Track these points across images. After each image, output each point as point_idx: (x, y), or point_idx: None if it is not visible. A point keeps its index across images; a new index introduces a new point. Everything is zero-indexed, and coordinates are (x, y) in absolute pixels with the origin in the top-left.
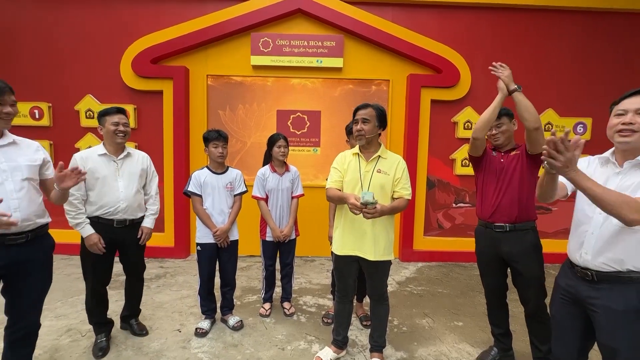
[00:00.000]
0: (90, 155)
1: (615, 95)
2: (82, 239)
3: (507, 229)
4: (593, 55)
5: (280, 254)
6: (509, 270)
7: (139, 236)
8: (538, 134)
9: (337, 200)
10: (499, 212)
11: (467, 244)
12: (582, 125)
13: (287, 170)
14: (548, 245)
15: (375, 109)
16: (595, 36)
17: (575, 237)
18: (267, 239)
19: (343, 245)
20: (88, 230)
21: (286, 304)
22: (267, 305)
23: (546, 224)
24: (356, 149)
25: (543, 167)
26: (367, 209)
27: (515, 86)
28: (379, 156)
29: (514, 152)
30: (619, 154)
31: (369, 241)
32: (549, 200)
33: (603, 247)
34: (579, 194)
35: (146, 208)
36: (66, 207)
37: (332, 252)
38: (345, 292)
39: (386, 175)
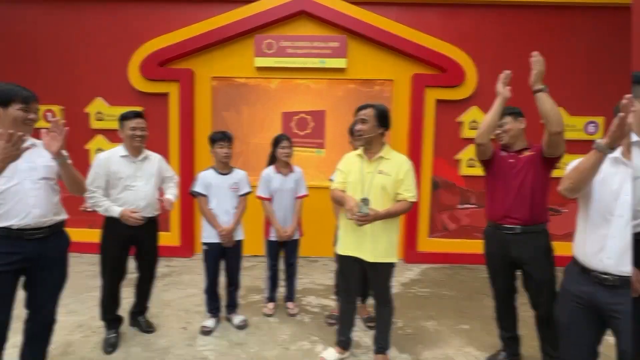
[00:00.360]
0: (112, 157)
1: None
2: (102, 237)
3: (518, 231)
4: (605, 52)
5: (284, 254)
6: (518, 272)
7: (161, 199)
8: (559, 137)
9: (338, 202)
10: (509, 214)
11: (473, 246)
12: (593, 125)
13: (292, 170)
14: (559, 248)
15: (375, 109)
16: (607, 32)
17: (591, 240)
18: (271, 239)
19: (344, 246)
20: (117, 209)
21: (290, 304)
22: (271, 305)
23: (556, 226)
24: (360, 150)
25: (595, 147)
26: (357, 216)
27: (541, 86)
28: (382, 157)
29: (526, 153)
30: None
31: (368, 242)
32: (578, 193)
33: (627, 250)
34: (594, 193)
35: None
36: (90, 201)
37: (335, 252)
38: (348, 292)
39: (388, 176)
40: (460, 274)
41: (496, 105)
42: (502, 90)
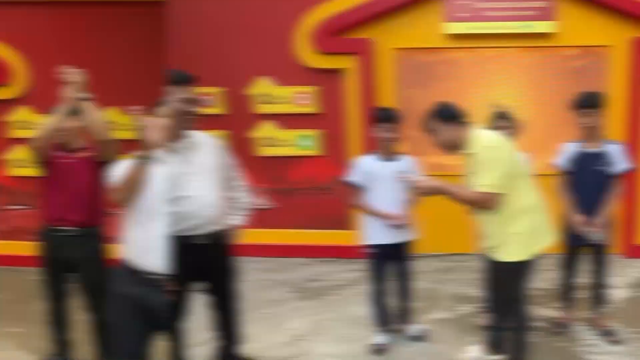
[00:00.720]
0: None
1: None
2: None
3: (73, 234)
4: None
5: None
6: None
7: None
8: (105, 144)
9: None
10: (64, 216)
11: (22, 248)
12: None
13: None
14: (113, 250)
15: None
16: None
17: (139, 240)
18: None
19: None
20: None
21: None
22: None
23: (111, 228)
24: None
25: (138, 163)
26: None
27: (83, 95)
28: None
29: (82, 153)
30: None
31: None
32: (131, 200)
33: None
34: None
35: None
36: None
37: None
38: None
39: None
40: (8, 276)
41: (61, 111)
42: (69, 94)
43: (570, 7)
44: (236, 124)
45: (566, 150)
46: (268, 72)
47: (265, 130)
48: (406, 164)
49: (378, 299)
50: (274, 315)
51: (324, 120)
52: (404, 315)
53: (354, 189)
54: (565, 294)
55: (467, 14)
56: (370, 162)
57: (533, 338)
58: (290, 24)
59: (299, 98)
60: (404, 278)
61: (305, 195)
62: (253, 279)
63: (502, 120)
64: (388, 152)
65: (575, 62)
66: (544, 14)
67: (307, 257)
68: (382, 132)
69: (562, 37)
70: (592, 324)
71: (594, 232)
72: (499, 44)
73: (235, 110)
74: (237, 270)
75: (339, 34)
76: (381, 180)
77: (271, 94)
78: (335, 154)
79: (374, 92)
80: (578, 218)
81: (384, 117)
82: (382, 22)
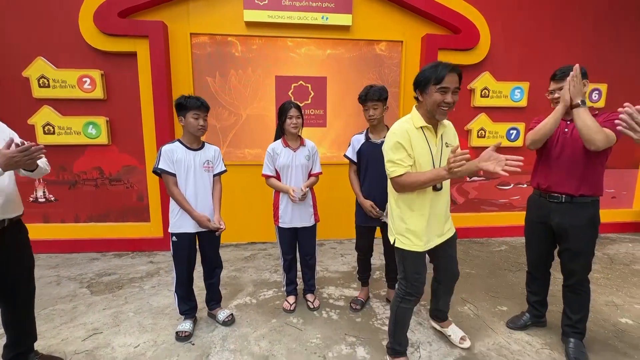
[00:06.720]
0: None
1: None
2: None
3: (563, 200)
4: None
5: (299, 241)
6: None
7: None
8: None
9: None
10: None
11: (481, 219)
12: (597, 92)
13: (302, 144)
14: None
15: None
16: None
17: None
18: (282, 225)
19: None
20: None
21: (309, 296)
22: (291, 299)
23: None
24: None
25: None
26: None
27: (579, 101)
28: None
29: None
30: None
31: None
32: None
33: None
34: None
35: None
36: None
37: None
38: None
39: None
40: (473, 249)
41: (558, 113)
42: (566, 96)
43: (367, 2)
44: (9, 109)
45: (355, 141)
46: (48, 52)
47: (45, 117)
48: (212, 153)
49: (183, 286)
50: (67, 312)
51: (113, 106)
52: (212, 301)
53: (165, 177)
54: (362, 273)
55: (266, 2)
56: (178, 150)
57: (334, 315)
58: (75, 1)
59: (83, 82)
60: (210, 265)
61: (92, 187)
62: (37, 276)
63: (296, 111)
64: (195, 141)
65: (371, 56)
66: (341, 7)
67: (97, 251)
68: (192, 119)
69: (359, 30)
70: (387, 300)
71: (385, 216)
72: (297, 34)
73: (9, 94)
74: (33, 261)
75: (127, 15)
76: (189, 169)
77: (51, 76)
78: (125, 142)
79: (168, 77)
80: (369, 203)
81: (195, 105)
82: (177, 5)
